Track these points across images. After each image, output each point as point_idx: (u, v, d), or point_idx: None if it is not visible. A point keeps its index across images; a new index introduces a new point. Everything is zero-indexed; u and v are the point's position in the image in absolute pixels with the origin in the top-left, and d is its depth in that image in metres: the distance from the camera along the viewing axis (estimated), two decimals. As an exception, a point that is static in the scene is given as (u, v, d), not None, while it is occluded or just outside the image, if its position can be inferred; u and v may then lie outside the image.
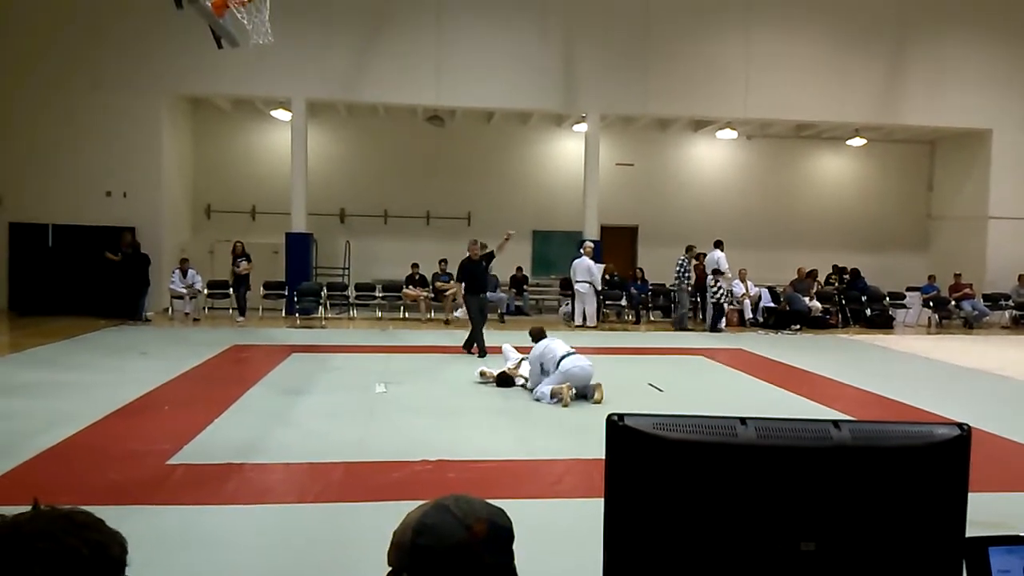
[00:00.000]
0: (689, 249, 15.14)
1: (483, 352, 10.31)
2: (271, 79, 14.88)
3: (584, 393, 7.69)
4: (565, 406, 7.34)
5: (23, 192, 14.59)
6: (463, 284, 10.82)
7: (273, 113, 16.41)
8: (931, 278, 17.27)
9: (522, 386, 8.25)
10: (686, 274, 14.89)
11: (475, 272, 10.66)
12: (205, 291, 14.80)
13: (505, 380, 8.37)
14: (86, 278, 14.29)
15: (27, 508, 1.00)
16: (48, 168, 14.61)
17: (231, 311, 14.44)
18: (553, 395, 7.54)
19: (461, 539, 1.14)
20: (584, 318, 14.78)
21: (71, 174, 14.64)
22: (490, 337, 10.72)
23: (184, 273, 14.40)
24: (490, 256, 10.87)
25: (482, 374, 8.64)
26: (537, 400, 7.66)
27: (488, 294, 15.72)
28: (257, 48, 10.41)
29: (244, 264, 14.52)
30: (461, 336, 12.93)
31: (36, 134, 14.60)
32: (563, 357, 7.72)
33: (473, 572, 1.14)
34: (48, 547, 0.94)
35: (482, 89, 15.57)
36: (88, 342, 11.19)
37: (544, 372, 7.87)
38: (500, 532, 1.18)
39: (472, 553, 1.14)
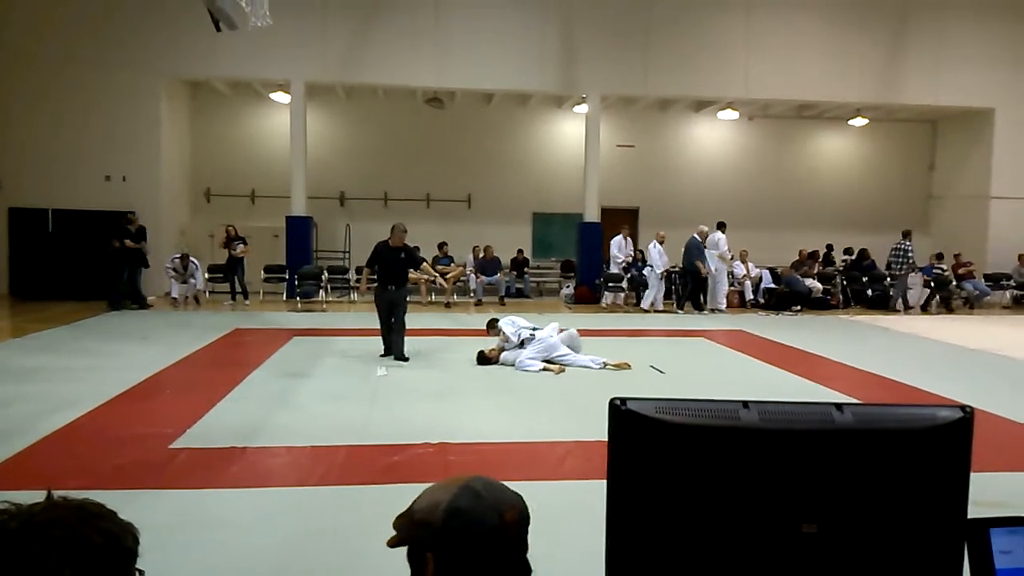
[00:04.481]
0: (906, 234, 15.51)
1: (400, 355, 8.88)
2: (270, 62, 14.80)
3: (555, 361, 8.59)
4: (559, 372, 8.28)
5: (22, 177, 14.56)
6: (370, 270, 9.28)
7: (272, 96, 16.34)
8: (939, 256, 17.03)
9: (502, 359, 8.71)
10: (906, 256, 15.34)
11: (389, 260, 8.97)
12: (206, 275, 14.73)
13: (483, 359, 8.70)
14: (87, 263, 14.30)
15: (34, 492, 1.02)
16: (47, 153, 14.57)
17: (237, 295, 14.33)
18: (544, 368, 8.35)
19: (494, 526, 1.14)
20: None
21: (70, 159, 14.60)
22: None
23: (185, 267, 13.96)
24: (413, 255, 9.30)
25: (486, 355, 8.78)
26: (524, 370, 8.33)
27: (487, 277, 15.82)
28: (256, 30, 10.37)
29: (242, 247, 14.43)
30: (463, 319, 12.98)
31: (35, 119, 14.56)
32: (535, 330, 8.83)
33: (500, 558, 1.15)
34: (63, 535, 0.95)
35: (481, 70, 15.49)
36: (89, 327, 11.21)
37: (520, 345, 8.65)
38: (525, 521, 1.20)
39: (503, 540, 1.15)
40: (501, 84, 15.97)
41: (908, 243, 15.44)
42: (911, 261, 15.45)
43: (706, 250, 14.62)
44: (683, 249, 14.69)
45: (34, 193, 14.54)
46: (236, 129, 17.33)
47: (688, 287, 14.88)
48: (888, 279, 15.92)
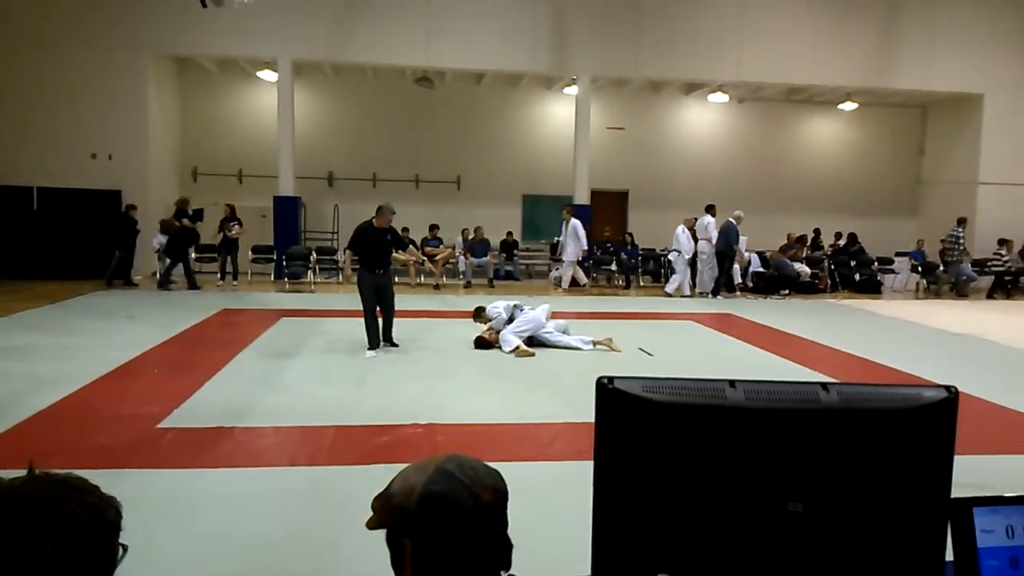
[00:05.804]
0: (961, 221, 15.82)
1: (389, 338, 8.56)
2: (257, 39, 14.63)
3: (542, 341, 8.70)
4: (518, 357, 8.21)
5: (7, 155, 14.36)
6: (352, 253, 8.61)
7: (259, 74, 16.17)
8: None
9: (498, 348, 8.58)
10: (959, 243, 15.64)
11: (376, 242, 8.28)
12: (192, 254, 14.66)
13: (482, 344, 8.61)
14: (72, 242, 14.20)
15: (21, 472, 1.01)
16: (32, 130, 14.39)
17: (226, 276, 14.27)
18: (515, 347, 8.36)
19: (469, 508, 1.13)
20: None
21: (56, 136, 14.42)
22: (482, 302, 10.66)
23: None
24: (399, 236, 8.83)
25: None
26: (502, 345, 8.49)
27: (476, 259, 15.78)
28: (242, 7, 10.26)
29: (237, 228, 14.33)
30: (452, 301, 12.96)
31: (19, 96, 14.35)
32: (519, 308, 8.91)
33: (478, 540, 1.15)
34: (45, 509, 0.95)
35: (471, 50, 15.37)
36: (75, 306, 11.13)
37: (510, 320, 8.77)
38: (502, 498, 1.19)
39: (479, 522, 1.14)
40: (491, 64, 15.85)
41: (961, 230, 15.74)
42: (962, 248, 15.79)
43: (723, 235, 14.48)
44: (717, 233, 14.51)
45: (18, 171, 14.37)
46: (223, 107, 17.16)
47: (725, 271, 14.66)
48: (941, 266, 16.38)
